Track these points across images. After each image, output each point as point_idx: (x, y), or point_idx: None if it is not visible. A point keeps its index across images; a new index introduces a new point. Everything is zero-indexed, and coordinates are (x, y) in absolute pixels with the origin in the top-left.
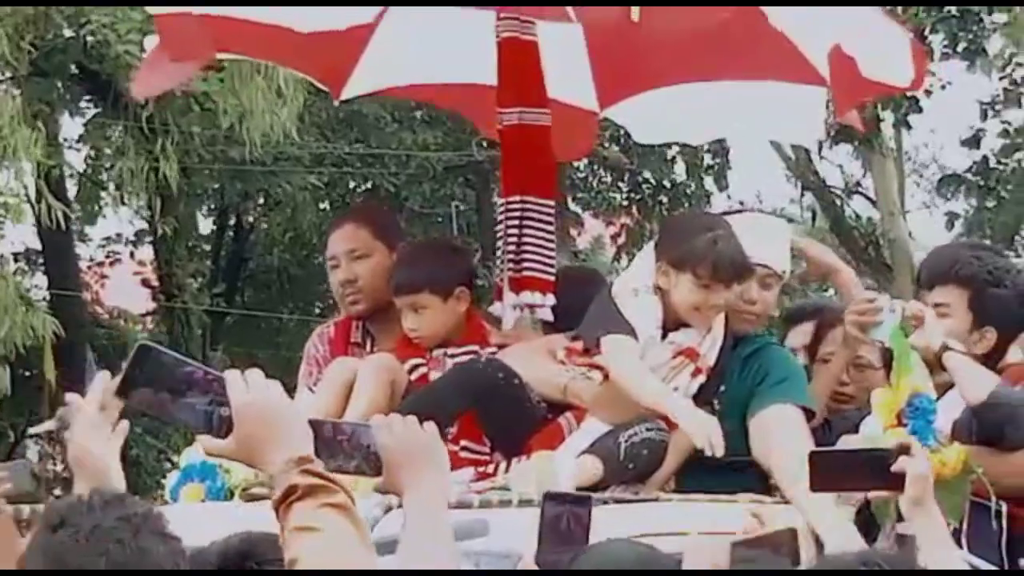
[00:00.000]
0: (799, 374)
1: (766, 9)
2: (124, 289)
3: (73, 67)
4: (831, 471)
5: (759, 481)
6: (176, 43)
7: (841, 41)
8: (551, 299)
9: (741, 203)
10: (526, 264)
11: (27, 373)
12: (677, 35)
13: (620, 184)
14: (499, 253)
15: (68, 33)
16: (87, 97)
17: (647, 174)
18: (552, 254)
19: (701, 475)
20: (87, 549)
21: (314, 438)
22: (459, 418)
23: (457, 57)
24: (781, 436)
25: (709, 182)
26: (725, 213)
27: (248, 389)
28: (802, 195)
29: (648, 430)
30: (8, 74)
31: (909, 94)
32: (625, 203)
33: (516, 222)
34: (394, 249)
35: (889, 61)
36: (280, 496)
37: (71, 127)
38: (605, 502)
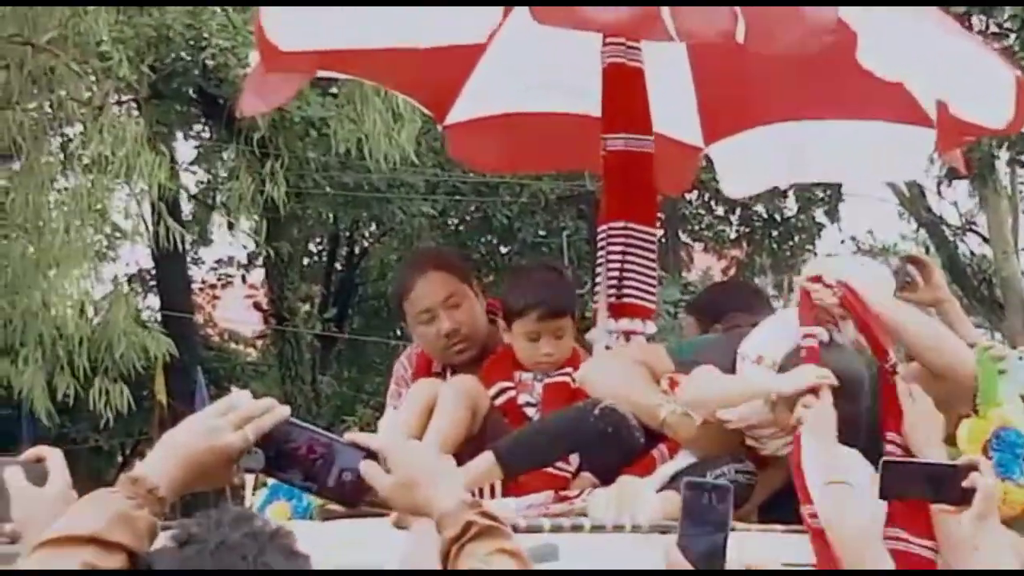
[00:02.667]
0: None
1: (861, 46)
2: (235, 312)
3: (191, 91)
4: (902, 481)
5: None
6: (276, 57)
7: (939, 81)
8: (651, 327)
9: (853, 238)
10: (627, 291)
11: (138, 393)
12: (781, 70)
13: (731, 217)
14: (598, 279)
15: (187, 57)
16: (202, 120)
17: (759, 207)
18: (654, 282)
19: (784, 507)
20: (212, 565)
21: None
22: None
23: (561, 86)
24: None
25: (820, 215)
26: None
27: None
28: (916, 232)
29: (737, 472)
30: (128, 97)
31: None
32: (735, 236)
33: (619, 248)
34: (474, 290)
35: (987, 102)
36: (456, 533)
37: (184, 149)
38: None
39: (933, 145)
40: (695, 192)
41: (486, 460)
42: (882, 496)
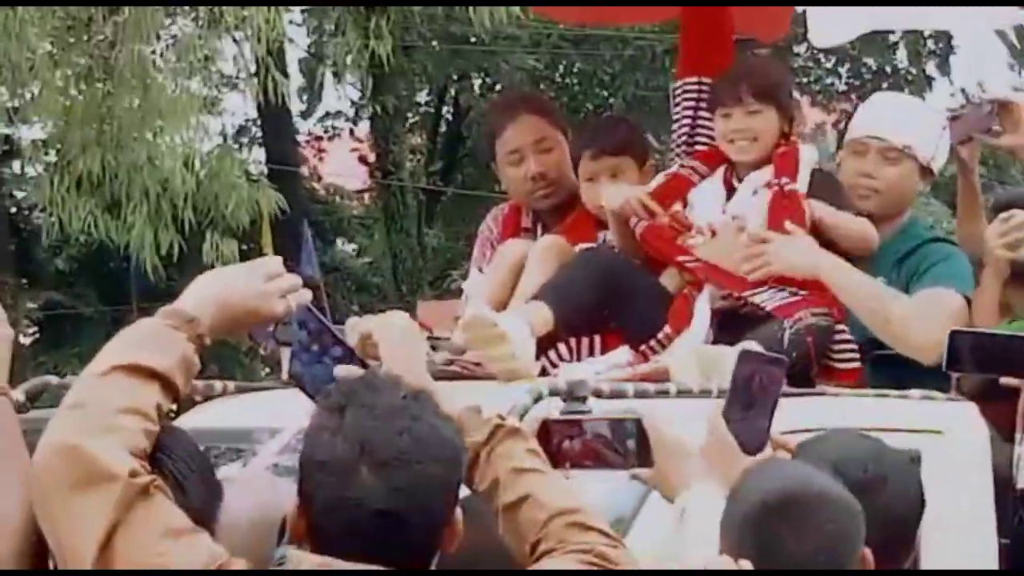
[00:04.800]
0: (950, 260)
1: None
2: (341, 165)
3: None
4: (970, 352)
5: (935, 377)
6: None
7: None
8: None
9: (963, 90)
10: (699, 147)
11: (243, 247)
12: None
13: (840, 70)
14: (673, 136)
15: None
16: None
17: (868, 60)
18: None
19: (878, 368)
20: (387, 426)
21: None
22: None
23: None
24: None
25: (931, 68)
26: None
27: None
28: None
29: (814, 315)
30: None
31: None
32: (844, 89)
33: (692, 103)
34: (567, 138)
35: None
36: (487, 436)
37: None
38: None
39: None
40: (803, 45)
41: (537, 308)
42: (949, 368)
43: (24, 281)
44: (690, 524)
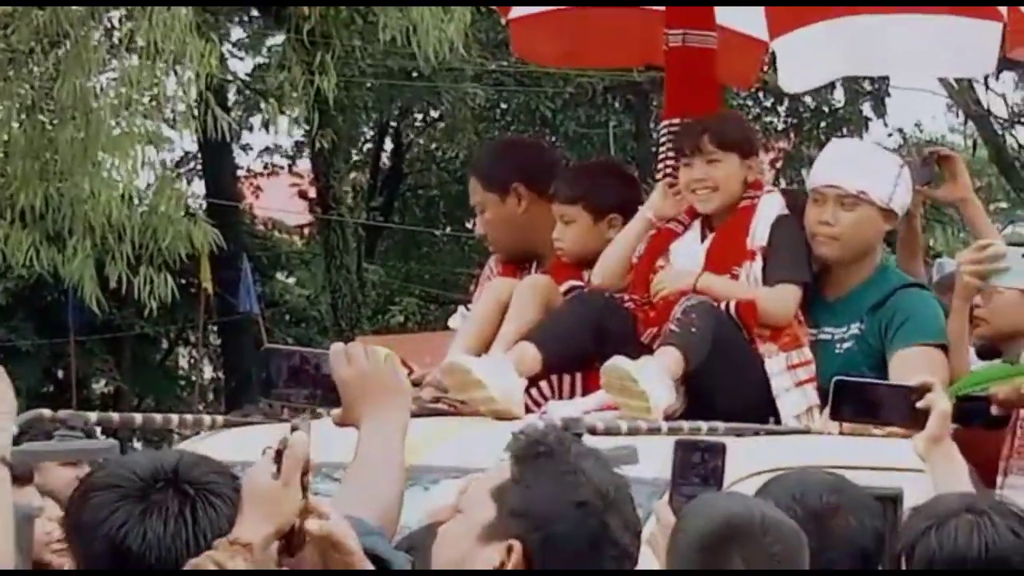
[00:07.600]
0: (921, 311)
1: None
2: (280, 200)
3: None
4: (854, 401)
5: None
6: None
7: None
8: None
9: (900, 131)
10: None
11: (183, 281)
12: None
13: (779, 108)
14: (658, 176)
15: None
16: (249, 9)
17: (806, 99)
18: None
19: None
20: (573, 479)
21: (279, 367)
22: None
23: None
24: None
25: (868, 108)
26: None
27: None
28: (964, 124)
29: (685, 302)
30: None
31: None
32: (782, 128)
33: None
34: (508, 194)
35: None
36: None
37: (237, 32)
38: (756, 433)
39: (1000, 40)
40: None
41: (525, 349)
42: (833, 417)
43: None
44: None
